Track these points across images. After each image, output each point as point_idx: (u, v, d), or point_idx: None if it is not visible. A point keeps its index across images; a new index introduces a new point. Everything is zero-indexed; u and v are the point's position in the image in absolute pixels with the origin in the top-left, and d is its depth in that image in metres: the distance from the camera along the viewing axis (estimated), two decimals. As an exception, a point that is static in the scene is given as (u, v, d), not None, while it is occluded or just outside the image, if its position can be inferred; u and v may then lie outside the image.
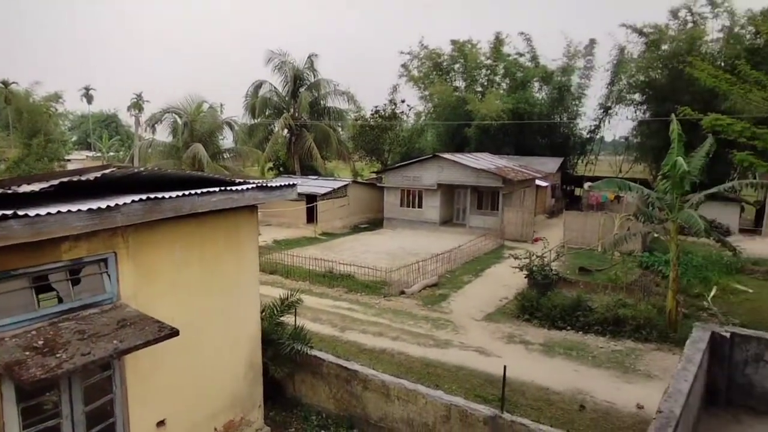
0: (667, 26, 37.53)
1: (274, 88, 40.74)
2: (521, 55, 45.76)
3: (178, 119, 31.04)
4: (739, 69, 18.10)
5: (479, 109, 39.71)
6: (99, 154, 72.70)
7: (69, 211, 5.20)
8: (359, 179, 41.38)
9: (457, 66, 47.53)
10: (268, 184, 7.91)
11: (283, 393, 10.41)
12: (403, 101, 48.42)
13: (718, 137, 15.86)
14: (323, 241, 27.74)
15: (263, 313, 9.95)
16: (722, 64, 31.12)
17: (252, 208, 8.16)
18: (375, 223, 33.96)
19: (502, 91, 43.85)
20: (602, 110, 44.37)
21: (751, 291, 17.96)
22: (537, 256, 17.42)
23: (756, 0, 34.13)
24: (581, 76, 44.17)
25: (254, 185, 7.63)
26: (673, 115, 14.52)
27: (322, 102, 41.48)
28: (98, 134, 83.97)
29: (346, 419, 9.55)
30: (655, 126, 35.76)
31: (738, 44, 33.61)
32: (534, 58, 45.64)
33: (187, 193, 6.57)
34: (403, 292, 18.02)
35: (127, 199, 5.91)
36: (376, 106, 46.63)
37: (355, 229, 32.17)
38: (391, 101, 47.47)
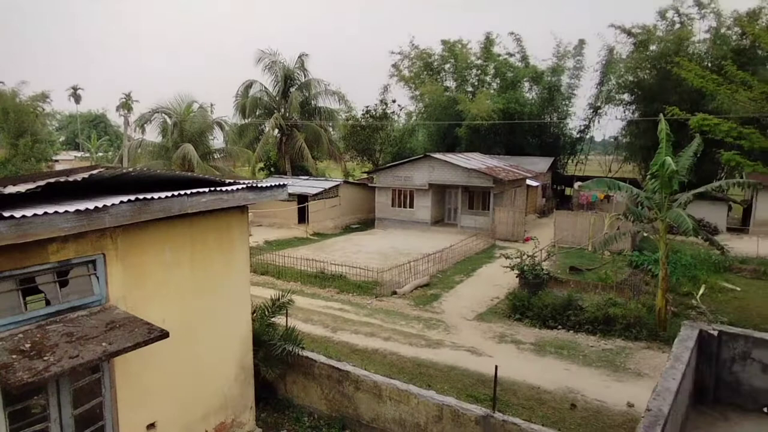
0: (655, 27, 37.90)
1: (265, 87, 40.49)
2: (511, 55, 46.08)
3: (168, 119, 30.72)
4: (726, 69, 18.35)
5: (470, 109, 39.83)
6: (87, 155, 71.78)
7: (56, 212, 5.15)
8: (350, 179, 41.38)
9: (447, 66, 47.65)
10: (259, 185, 7.87)
11: (274, 394, 10.37)
12: (393, 101, 48.59)
13: (706, 137, 16.02)
14: (315, 242, 27.68)
15: (254, 314, 9.90)
16: (709, 64, 31.44)
17: (242, 209, 8.12)
18: (366, 223, 33.96)
19: (492, 91, 43.98)
20: (592, 110, 44.73)
21: (738, 289, 18.18)
22: (528, 256, 17.52)
23: (742, 1, 34.54)
24: (571, 76, 44.57)
25: (244, 185, 7.59)
26: (661, 115, 14.64)
27: (312, 102, 41.30)
28: (87, 134, 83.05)
29: (338, 420, 9.53)
30: (643, 126, 36.09)
31: (724, 45, 34.01)
32: (524, 58, 45.91)
33: (176, 193, 6.52)
34: (394, 293, 18.02)
35: (116, 199, 5.86)
36: (367, 106, 46.74)
37: (347, 230, 32.15)
38: (382, 101, 47.57)
